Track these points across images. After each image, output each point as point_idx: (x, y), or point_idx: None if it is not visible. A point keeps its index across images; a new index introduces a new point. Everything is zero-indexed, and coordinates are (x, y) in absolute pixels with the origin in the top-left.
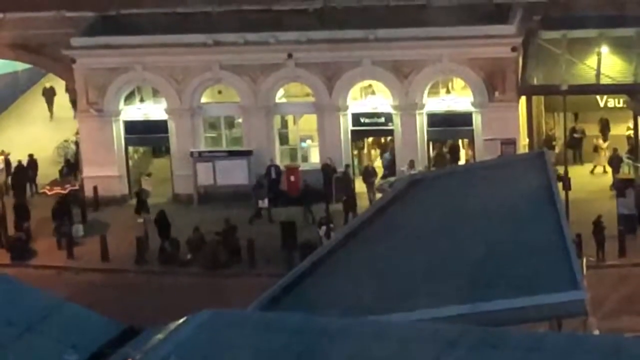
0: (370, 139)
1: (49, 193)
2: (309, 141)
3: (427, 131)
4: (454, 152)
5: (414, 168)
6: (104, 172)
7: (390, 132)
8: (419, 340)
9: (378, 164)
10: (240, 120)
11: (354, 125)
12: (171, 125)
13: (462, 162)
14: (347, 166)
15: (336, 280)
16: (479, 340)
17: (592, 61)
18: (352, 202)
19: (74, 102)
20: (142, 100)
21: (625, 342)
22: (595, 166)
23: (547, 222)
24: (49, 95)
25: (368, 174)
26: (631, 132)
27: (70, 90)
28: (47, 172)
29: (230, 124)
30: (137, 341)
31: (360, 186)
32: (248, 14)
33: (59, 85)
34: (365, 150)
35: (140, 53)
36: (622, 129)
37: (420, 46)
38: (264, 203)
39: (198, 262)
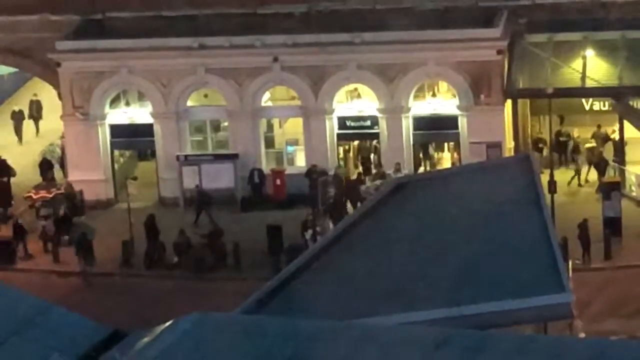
0: (356, 142)
1: (35, 197)
2: (295, 147)
3: (413, 134)
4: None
5: (400, 171)
6: (89, 176)
7: (376, 136)
8: (405, 343)
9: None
10: (226, 123)
11: (339, 129)
12: (157, 129)
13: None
14: (338, 167)
15: (322, 284)
16: (464, 343)
17: (577, 64)
18: (340, 203)
19: (36, 119)
20: (127, 103)
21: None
22: (575, 176)
23: (532, 225)
24: (18, 119)
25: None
26: (617, 135)
27: (32, 105)
28: (35, 176)
29: (216, 127)
30: (124, 345)
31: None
32: (234, 17)
33: (47, 95)
34: (351, 154)
35: (125, 56)
36: (607, 132)
37: (406, 49)
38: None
39: (184, 265)
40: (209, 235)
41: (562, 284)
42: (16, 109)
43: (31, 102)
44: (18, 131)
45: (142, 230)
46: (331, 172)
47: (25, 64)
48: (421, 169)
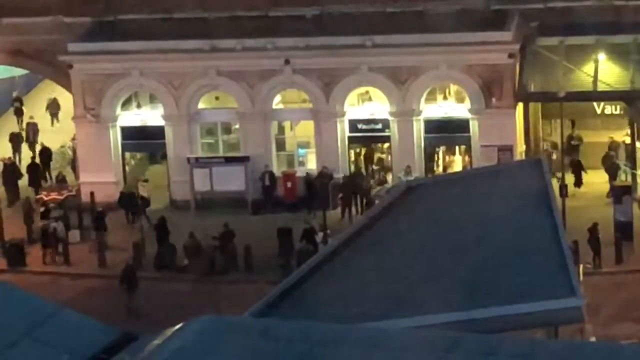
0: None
1: (46, 198)
2: (306, 150)
3: (424, 138)
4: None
5: (410, 174)
6: (100, 178)
7: (387, 139)
8: (416, 347)
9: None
10: (237, 126)
11: (351, 132)
12: (168, 131)
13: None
14: (358, 170)
15: (333, 287)
16: (475, 348)
17: (589, 68)
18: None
19: (54, 115)
20: (139, 106)
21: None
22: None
23: (543, 229)
24: (16, 141)
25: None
26: (628, 139)
27: (50, 104)
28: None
29: (227, 130)
30: (134, 347)
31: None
32: (245, 20)
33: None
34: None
35: (137, 59)
36: (619, 136)
37: (418, 52)
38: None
39: (195, 268)
40: (220, 238)
41: (572, 288)
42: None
43: (27, 124)
44: (16, 151)
45: (151, 232)
46: (338, 175)
47: (37, 66)
48: (436, 172)
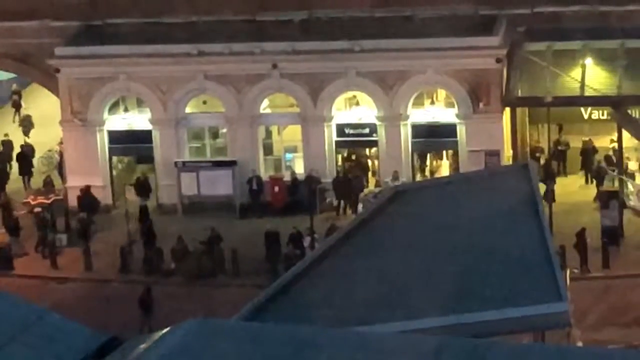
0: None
1: (33, 203)
2: (293, 154)
3: (412, 142)
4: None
5: (398, 180)
6: (87, 181)
7: (375, 143)
8: (403, 351)
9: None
10: (224, 130)
11: (338, 136)
12: (155, 135)
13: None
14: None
15: (320, 291)
16: (462, 352)
17: (576, 73)
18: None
19: (26, 133)
20: (126, 110)
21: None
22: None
23: (530, 234)
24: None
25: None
26: (615, 145)
27: (23, 120)
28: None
29: (215, 134)
30: (121, 351)
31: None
32: (233, 24)
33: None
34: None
35: (124, 63)
36: (606, 142)
37: (405, 57)
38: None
39: (182, 272)
40: (207, 242)
41: (559, 293)
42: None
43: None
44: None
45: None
46: (326, 179)
47: (24, 69)
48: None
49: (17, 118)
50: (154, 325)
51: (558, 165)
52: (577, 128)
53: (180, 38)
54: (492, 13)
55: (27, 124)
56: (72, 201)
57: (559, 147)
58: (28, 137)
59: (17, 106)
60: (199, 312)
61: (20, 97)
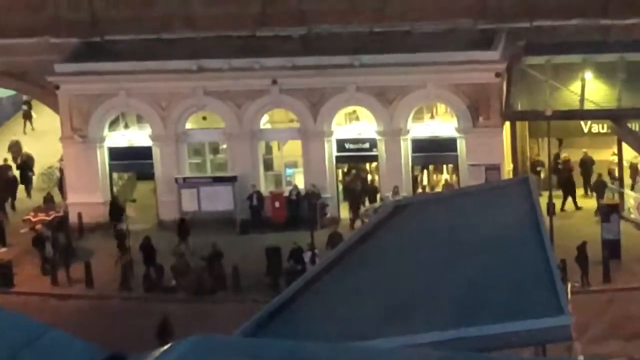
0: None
1: (33, 220)
2: (294, 170)
3: (412, 157)
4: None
5: (398, 194)
6: (88, 198)
7: (375, 158)
8: None
9: None
10: (224, 146)
11: (338, 151)
12: (156, 152)
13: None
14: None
15: (322, 306)
16: None
17: (576, 87)
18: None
19: (15, 158)
20: (126, 126)
21: None
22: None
23: (531, 248)
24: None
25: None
26: (615, 158)
27: (11, 146)
28: (33, 198)
29: (215, 150)
30: None
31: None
32: (232, 40)
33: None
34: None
35: (124, 79)
36: (606, 155)
37: (405, 72)
38: None
39: (183, 288)
40: (208, 258)
41: (560, 307)
42: None
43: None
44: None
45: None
46: (326, 195)
47: (24, 86)
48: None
49: (27, 129)
50: None
51: (558, 179)
52: (577, 142)
53: (180, 54)
54: (491, 27)
55: (15, 150)
56: (73, 218)
57: (559, 161)
58: (17, 162)
59: (27, 117)
60: (200, 328)
61: (30, 107)
